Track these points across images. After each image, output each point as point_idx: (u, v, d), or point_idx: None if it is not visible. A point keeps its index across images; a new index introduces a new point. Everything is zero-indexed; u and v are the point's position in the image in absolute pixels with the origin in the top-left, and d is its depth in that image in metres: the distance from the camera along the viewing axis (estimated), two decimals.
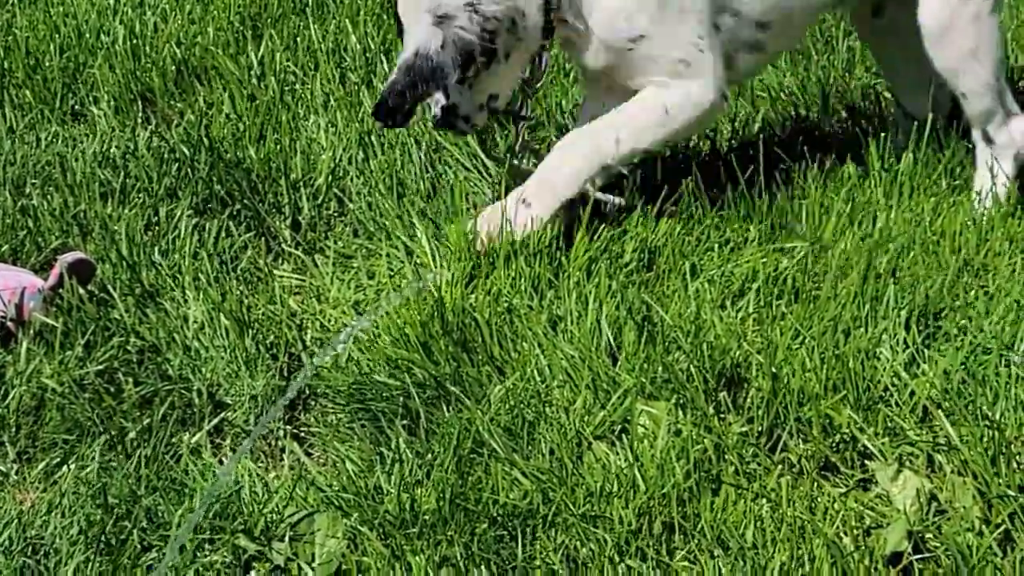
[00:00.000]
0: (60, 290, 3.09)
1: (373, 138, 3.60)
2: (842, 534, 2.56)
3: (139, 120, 3.71)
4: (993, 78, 3.47)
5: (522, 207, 3.29)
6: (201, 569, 2.55)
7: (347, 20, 4.38)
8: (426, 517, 2.57)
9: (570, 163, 3.39)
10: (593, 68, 3.44)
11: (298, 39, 4.16)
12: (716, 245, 3.34)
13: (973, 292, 3.13)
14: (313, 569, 2.54)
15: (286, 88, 3.86)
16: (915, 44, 3.58)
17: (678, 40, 3.38)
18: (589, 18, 3.35)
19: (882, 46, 3.82)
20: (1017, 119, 3.40)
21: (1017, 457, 2.71)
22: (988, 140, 3.45)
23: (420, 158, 3.69)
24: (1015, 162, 3.41)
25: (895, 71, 3.85)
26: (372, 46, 4.16)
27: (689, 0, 3.36)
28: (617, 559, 2.51)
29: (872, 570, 2.46)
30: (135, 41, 4.05)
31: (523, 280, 3.15)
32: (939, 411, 2.77)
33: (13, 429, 2.84)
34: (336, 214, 3.46)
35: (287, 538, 2.58)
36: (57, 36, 4.12)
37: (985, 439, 2.70)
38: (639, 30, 3.32)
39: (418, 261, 3.26)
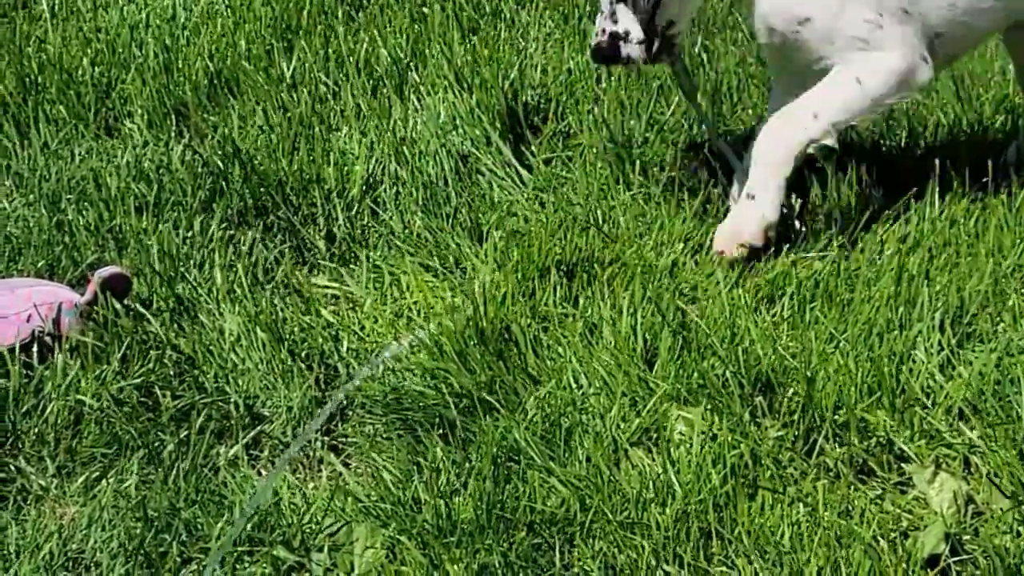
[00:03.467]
0: (96, 305, 3.11)
1: (406, 148, 3.61)
2: (879, 537, 2.55)
3: (172, 134, 3.74)
4: None
5: (749, 203, 3.40)
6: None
7: (376, 31, 4.38)
8: (464, 526, 2.57)
9: (777, 149, 3.46)
10: (768, 44, 3.55)
11: (329, 50, 4.17)
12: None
13: (1009, 294, 3.10)
14: (357, 568, 2.55)
15: (318, 100, 3.88)
16: None
17: (848, 20, 3.44)
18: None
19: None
20: None
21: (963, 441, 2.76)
22: None
23: (453, 167, 3.66)
24: None
25: None
26: (402, 56, 4.17)
27: None
28: (654, 565, 2.52)
29: (909, 573, 2.47)
30: (167, 55, 4.07)
31: (560, 288, 3.15)
32: (978, 414, 2.76)
33: (52, 444, 2.86)
34: (370, 225, 3.47)
35: (326, 549, 2.59)
36: (89, 51, 4.14)
37: (1020, 440, 2.70)
38: (804, 14, 3.40)
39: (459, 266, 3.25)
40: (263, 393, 3.00)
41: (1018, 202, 3.41)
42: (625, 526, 2.59)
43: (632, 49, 3.34)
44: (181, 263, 3.36)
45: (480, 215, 3.50)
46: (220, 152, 3.67)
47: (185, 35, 4.23)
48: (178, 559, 2.60)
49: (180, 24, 4.29)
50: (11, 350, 3.01)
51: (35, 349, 3.04)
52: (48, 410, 2.92)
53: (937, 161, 3.54)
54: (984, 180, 3.50)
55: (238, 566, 2.57)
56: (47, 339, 3.06)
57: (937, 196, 3.46)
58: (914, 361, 2.92)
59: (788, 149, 3.37)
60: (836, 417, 2.82)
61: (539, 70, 4.32)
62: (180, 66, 4.00)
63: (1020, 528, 2.58)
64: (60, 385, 2.94)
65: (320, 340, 3.12)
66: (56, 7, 4.51)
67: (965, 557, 2.53)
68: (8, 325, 3.05)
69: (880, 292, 3.11)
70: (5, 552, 2.63)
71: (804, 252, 3.32)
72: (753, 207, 3.29)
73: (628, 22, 3.31)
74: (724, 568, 2.52)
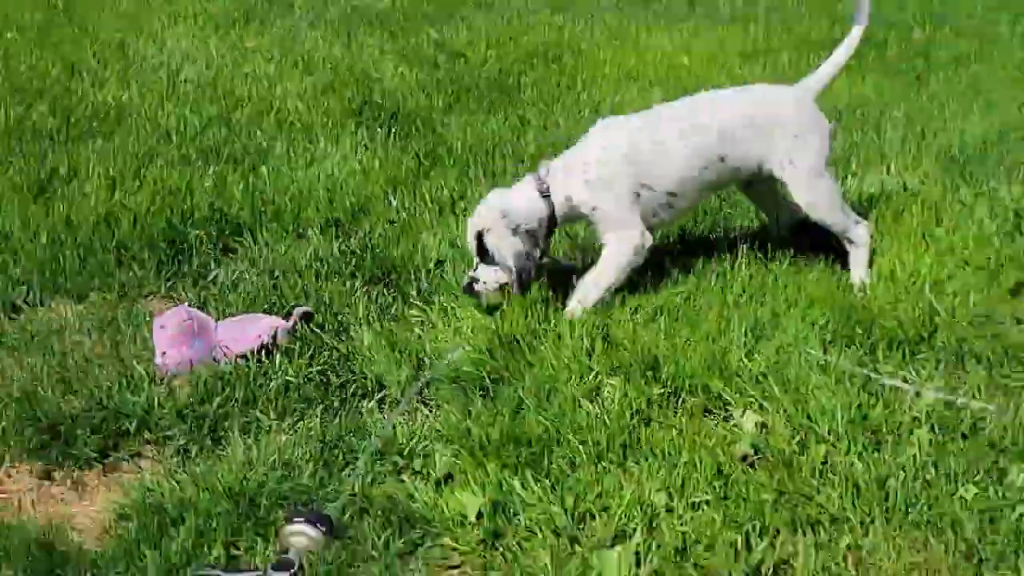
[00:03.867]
0: (296, 328, 3.20)
1: (458, 241, 3.73)
2: (716, 446, 2.66)
3: (333, 237, 3.82)
4: (841, 212, 3.49)
5: (577, 307, 3.29)
6: (375, 474, 2.61)
7: (442, 180, 4.47)
8: (494, 443, 2.65)
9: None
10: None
11: (416, 191, 4.25)
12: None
13: (782, 316, 3.25)
14: (435, 472, 2.60)
15: (411, 217, 3.97)
16: (771, 194, 3.69)
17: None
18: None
19: (754, 196, 3.78)
20: (860, 224, 3.51)
21: (803, 400, 2.79)
22: (850, 241, 3.51)
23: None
24: (867, 247, 3.51)
25: (764, 206, 3.81)
26: (454, 194, 4.23)
27: (618, 185, 3.34)
28: (597, 462, 2.62)
29: (732, 464, 2.60)
30: (330, 193, 4.17)
31: (541, 316, 3.30)
32: (767, 379, 2.90)
33: (273, 401, 2.88)
34: (439, 282, 3.55)
35: (421, 456, 2.67)
36: (288, 191, 4.24)
37: (789, 392, 2.85)
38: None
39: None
40: (385, 374, 3.03)
41: (786, 263, 3.57)
42: (580, 442, 2.67)
43: (481, 287, 3.32)
44: (342, 305, 3.39)
45: None
46: (360, 246, 3.79)
47: (339, 183, 4.33)
48: (343, 462, 2.64)
49: (336, 178, 4.38)
50: (253, 351, 3.06)
51: (264, 352, 3.07)
52: (272, 382, 2.96)
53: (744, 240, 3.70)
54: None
55: (374, 466, 2.60)
56: (269, 346, 3.11)
57: (746, 260, 3.54)
58: (733, 352, 3.04)
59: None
60: (691, 383, 2.92)
61: None
62: (337, 199, 4.06)
63: (791, 440, 2.68)
64: (277, 370, 3.00)
65: (414, 345, 3.17)
66: (280, 162, 4.54)
67: (761, 456, 2.65)
68: (254, 339, 3.09)
69: (713, 314, 3.24)
70: (262, 457, 2.64)
71: (672, 290, 3.43)
72: (577, 308, 3.30)
73: (482, 273, 3.32)
74: (634, 464, 2.60)
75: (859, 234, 3.55)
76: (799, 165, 3.46)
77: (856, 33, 3.62)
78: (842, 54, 3.59)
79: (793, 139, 3.44)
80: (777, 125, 3.45)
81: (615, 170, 3.36)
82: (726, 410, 2.86)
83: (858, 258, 3.57)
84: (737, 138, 3.44)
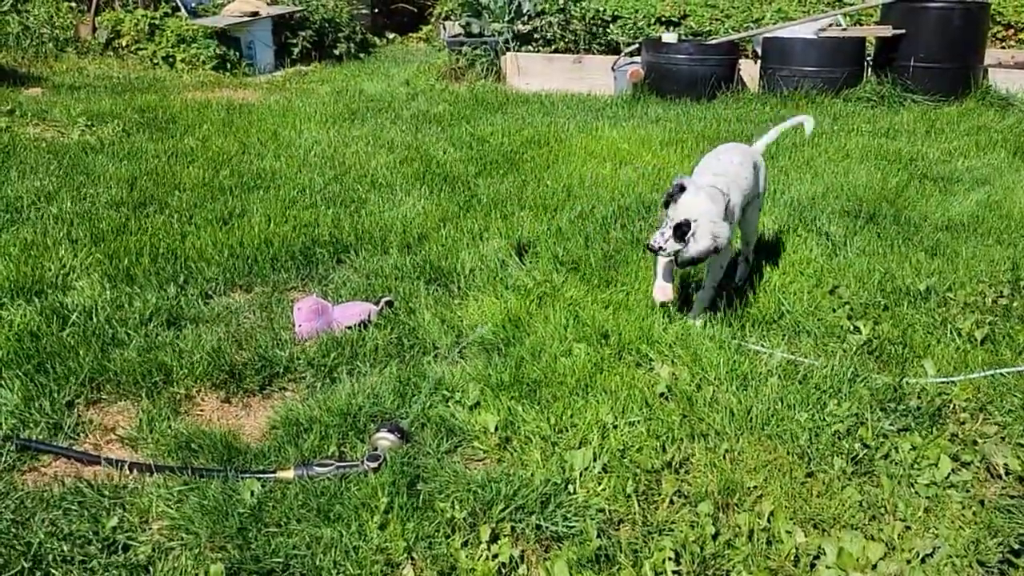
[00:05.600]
0: (382, 310, 3.14)
1: (486, 264, 3.59)
2: (644, 387, 2.62)
3: (407, 253, 3.74)
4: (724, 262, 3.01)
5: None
6: (431, 401, 2.51)
7: (478, 217, 4.52)
8: (505, 383, 2.63)
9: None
10: None
11: (460, 226, 4.36)
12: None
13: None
14: (468, 401, 2.53)
15: (454, 242, 3.85)
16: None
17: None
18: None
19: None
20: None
21: (699, 358, 2.76)
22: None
23: (501, 263, 3.62)
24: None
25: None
26: (482, 229, 4.00)
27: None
28: (571, 396, 2.58)
29: (649, 401, 2.54)
30: (404, 227, 4.17)
31: (535, 306, 3.30)
32: (676, 345, 2.86)
33: (368, 356, 2.81)
34: (472, 284, 3.54)
35: (459, 392, 2.59)
36: (378, 225, 4.25)
37: (690, 353, 2.82)
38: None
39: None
40: (437, 340, 2.96)
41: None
42: (559, 384, 2.65)
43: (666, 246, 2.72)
44: (411, 296, 3.29)
45: (507, 281, 3.45)
46: (422, 259, 3.76)
47: (410, 220, 4.32)
48: (411, 394, 2.57)
49: (408, 216, 4.39)
50: (355, 325, 3.01)
51: (363, 325, 3.00)
52: (367, 344, 2.90)
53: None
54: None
55: (427, 401, 2.55)
56: (367, 322, 3.05)
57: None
58: (655, 328, 2.95)
59: None
60: (629, 346, 2.88)
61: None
62: (408, 230, 4.08)
63: (696, 382, 2.68)
64: (367, 336, 2.94)
65: (456, 322, 3.08)
66: (374, 207, 4.52)
67: (672, 393, 2.61)
68: (354, 316, 3.05)
69: (641, 304, 3.13)
70: (360, 390, 2.56)
71: (619, 289, 3.31)
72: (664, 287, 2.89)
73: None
74: (592, 397, 2.55)
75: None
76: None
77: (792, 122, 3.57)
78: (777, 131, 3.47)
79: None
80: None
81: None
82: (650, 364, 2.82)
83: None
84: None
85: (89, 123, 6.15)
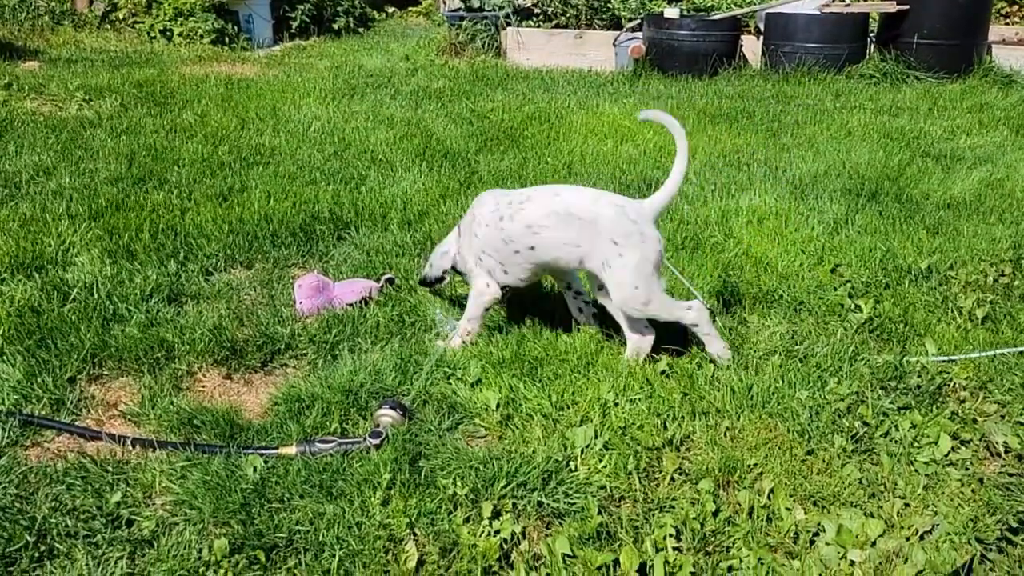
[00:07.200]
0: (383, 287, 3.11)
1: None
2: (646, 364, 2.60)
3: (407, 229, 3.72)
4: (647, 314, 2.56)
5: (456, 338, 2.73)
6: (433, 378, 2.49)
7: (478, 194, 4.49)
8: (507, 361, 2.61)
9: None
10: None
11: (460, 202, 4.34)
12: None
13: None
14: (470, 378, 2.51)
15: (453, 219, 3.81)
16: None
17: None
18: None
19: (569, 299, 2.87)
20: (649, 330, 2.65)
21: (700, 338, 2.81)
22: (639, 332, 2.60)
23: None
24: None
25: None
26: None
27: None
28: (571, 374, 2.55)
29: (655, 375, 2.51)
30: (405, 207, 4.14)
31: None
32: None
33: (369, 333, 2.79)
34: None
35: (462, 368, 2.57)
36: (378, 202, 4.18)
37: (690, 333, 2.81)
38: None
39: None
40: (442, 314, 2.90)
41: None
42: (560, 361, 2.62)
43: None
44: (412, 273, 3.24)
45: None
46: (423, 236, 3.63)
47: (410, 196, 4.28)
48: (413, 371, 2.55)
49: (408, 193, 4.33)
50: (357, 302, 2.99)
51: (364, 302, 2.99)
52: (368, 321, 2.88)
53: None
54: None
55: (429, 376, 2.52)
56: (368, 299, 3.02)
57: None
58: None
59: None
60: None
61: None
62: (408, 207, 3.95)
63: (692, 361, 2.67)
64: (369, 313, 2.92)
65: (459, 299, 3.06)
66: (373, 183, 4.56)
67: (674, 371, 2.57)
68: (356, 294, 3.02)
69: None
70: (362, 367, 2.53)
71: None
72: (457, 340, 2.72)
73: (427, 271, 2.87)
74: (593, 375, 2.54)
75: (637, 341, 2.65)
76: None
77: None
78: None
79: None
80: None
81: None
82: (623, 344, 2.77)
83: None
84: None
85: (87, 97, 6.14)
